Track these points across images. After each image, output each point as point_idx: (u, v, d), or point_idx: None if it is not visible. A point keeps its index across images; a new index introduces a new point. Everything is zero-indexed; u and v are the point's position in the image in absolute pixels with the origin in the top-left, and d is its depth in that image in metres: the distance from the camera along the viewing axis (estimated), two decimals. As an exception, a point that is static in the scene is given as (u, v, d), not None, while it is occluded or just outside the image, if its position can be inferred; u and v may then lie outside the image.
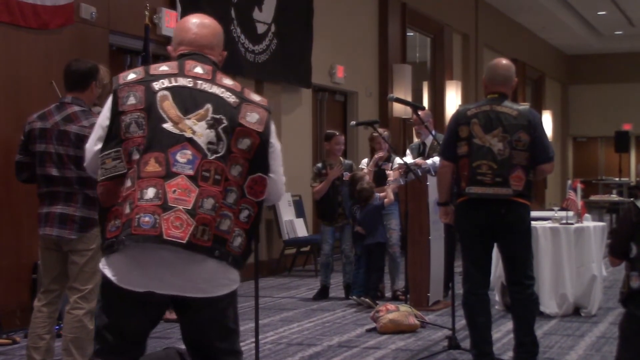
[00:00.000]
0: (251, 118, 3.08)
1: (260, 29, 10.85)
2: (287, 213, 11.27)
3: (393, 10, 14.54)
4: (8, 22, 7.22)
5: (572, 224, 7.69)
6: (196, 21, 3.29)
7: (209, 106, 3.04)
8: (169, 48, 3.29)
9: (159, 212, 2.89)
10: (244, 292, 9.60)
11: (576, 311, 7.69)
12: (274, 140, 3.15)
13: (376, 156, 8.78)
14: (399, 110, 14.19)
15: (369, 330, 7.08)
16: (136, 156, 2.97)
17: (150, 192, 2.91)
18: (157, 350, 4.15)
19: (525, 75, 21.71)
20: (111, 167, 3.01)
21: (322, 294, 8.97)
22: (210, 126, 3.00)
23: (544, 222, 7.77)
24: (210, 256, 2.95)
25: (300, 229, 11.39)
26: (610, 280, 9.36)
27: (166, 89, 3.04)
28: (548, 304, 7.57)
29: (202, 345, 3.14)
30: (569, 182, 8.28)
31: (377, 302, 8.03)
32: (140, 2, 8.63)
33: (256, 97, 3.18)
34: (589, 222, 8.02)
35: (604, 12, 21.25)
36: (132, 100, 3.02)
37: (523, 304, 5.40)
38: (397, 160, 8.47)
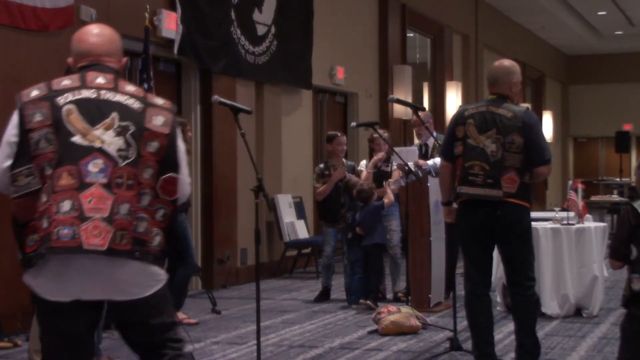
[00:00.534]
0: (157, 121, 3.19)
1: (260, 30, 10.86)
2: (288, 215, 11.26)
3: (393, 11, 14.54)
4: (8, 24, 7.23)
5: (573, 224, 7.69)
6: (90, 31, 3.38)
7: (114, 114, 3.14)
8: (69, 60, 3.37)
9: (77, 223, 2.99)
10: (245, 294, 9.65)
11: (577, 312, 7.69)
12: (179, 141, 3.26)
13: (375, 157, 8.77)
14: (399, 111, 14.20)
15: (370, 332, 7.07)
16: (49, 171, 3.06)
17: (67, 205, 3.01)
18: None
19: (526, 75, 21.68)
20: (25, 184, 3.08)
21: (324, 295, 8.96)
22: (118, 134, 3.11)
23: (545, 223, 7.76)
24: (131, 258, 3.06)
25: (301, 231, 11.39)
26: (612, 280, 9.35)
27: (71, 102, 3.13)
28: (549, 304, 7.56)
29: (145, 343, 3.26)
30: (570, 182, 8.27)
31: (379, 303, 8.02)
32: (140, 4, 8.63)
33: (160, 101, 3.29)
34: (590, 223, 8.01)
35: (604, 12, 21.25)
36: (38, 117, 3.09)
37: (523, 305, 5.39)
38: (397, 159, 8.45)
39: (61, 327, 3.15)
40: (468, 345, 5.90)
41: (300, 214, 11.65)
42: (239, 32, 10.34)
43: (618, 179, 21.13)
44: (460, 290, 5.60)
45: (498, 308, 7.75)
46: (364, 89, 13.91)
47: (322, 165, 9.12)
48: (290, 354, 6.38)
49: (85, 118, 3.11)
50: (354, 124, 9.30)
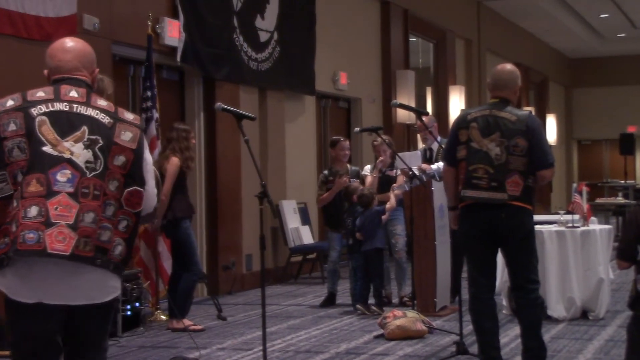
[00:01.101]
0: (125, 137, 3.35)
1: (263, 37, 10.87)
2: (292, 220, 11.27)
3: (395, 16, 14.56)
4: (11, 34, 7.25)
5: (578, 227, 7.68)
6: (61, 46, 3.49)
7: (85, 128, 3.29)
8: (45, 72, 3.50)
9: (42, 229, 3.14)
10: (250, 300, 9.65)
11: (584, 315, 7.67)
12: (147, 155, 3.43)
13: (378, 162, 8.76)
14: (403, 116, 14.20)
15: (376, 337, 7.06)
16: (20, 178, 3.21)
17: (34, 210, 3.15)
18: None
19: (529, 79, 21.70)
20: None
21: (330, 301, 8.96)
22: (87, 146, 3.27)
23: (550, 226, 7.75)
24: (93, 265, 3.20)
25: (306, 236, 11.39)
26: (618, 283, 9.34)
27: (44, 114, 3.28)
28: (555, 307, 7.55)
29: (85, 347, 3.37)
30: (575, 185, 8.26)
31: (384, 308, 8.02)
32: (143, 12, 8.65)
33: (129, 116, 3.44)
34: (595, 225, 8.00)
35: (606, 15, 21.26)
36: (12, 127, 3.25)
37: (528, 308, 5.38)
38: (400, 164, 8.45)
39: (26, 327, 3.27)
40: (474, 349, 5.89)
41: (305, 219, 11.65)
42: (241, 38, 10.36)
43: (623, 182, 21.10)
44: (466, 294, 5.59)
45: (504, 312, 7.74)
46: (367, 94, 13.92)
47: (326, 172, 9.12)
48: (297, 359, 6.38)
49: (57, 130, 3.26)
50: (357, 129, 9.29)
